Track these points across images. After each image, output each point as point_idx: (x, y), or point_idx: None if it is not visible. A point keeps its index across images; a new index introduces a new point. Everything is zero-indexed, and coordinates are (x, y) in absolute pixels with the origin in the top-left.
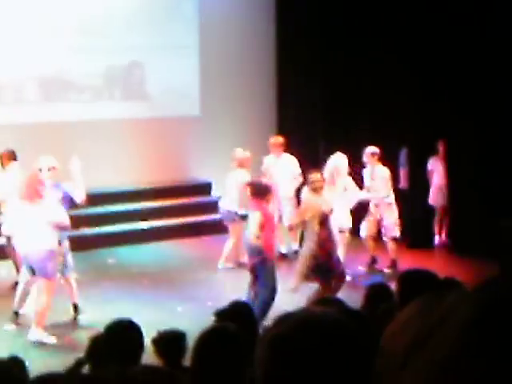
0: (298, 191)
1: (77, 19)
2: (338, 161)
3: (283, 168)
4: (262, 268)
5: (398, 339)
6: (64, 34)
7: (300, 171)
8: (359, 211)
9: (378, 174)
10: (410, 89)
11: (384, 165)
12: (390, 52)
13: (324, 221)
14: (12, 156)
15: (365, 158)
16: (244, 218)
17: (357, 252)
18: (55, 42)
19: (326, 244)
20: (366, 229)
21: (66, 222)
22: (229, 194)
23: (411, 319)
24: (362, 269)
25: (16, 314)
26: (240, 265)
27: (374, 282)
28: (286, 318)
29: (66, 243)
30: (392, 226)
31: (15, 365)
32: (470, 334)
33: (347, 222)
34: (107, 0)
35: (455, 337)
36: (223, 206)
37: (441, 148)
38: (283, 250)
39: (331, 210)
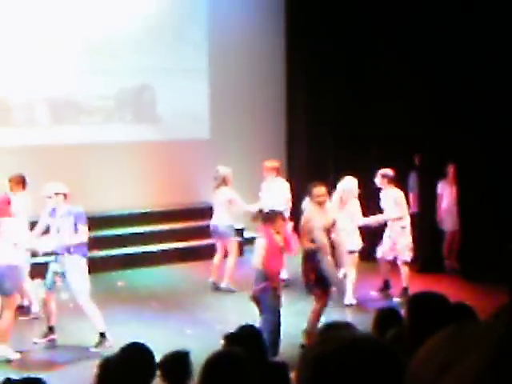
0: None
1: (87, 42)
2: (349, 184)
3: (275, 193)
4: (264, 294)
5: (427, 365)
6: (75, 56)
7: (290, 197)
8: (375, 234)
9: (388, 196)
10: (419, 112)
11: (397, 187)
12: (401, 74)
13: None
14: (21, 181)
15: (377, 180)
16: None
17: (370, 276)
18: (66, 64)
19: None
20: (381, 251)
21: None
22: (216, 212)
23: (440, 347)
24: (373, 293)
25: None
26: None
27: (383, 307)
28: (328, 338)
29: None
30: (404, 250)
31: None
32: (494, 363)
33: (357, 244)
34: (118, 23)
35: (481, 366)
36: (212, 222)
37: (450, 171)
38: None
39: (332, 225)
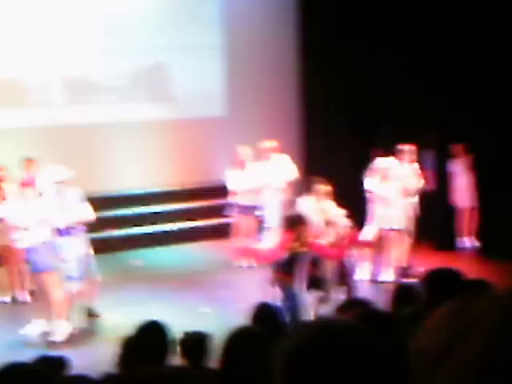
0: None
1: (102, 21)
2: (388, 162)
3: (274, 170)
4: (278, 285)
5: (430, 341)
6: (89, 35)
7: (295, 168)
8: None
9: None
10: (431, 92)
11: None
12: (413, 56)
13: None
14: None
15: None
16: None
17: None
18: (80, 44)
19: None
20: None
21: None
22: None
23: (443, 322)
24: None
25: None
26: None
27: (401, 283)
28: (298, 330)
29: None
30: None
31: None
32: (498, 338)
33: (399, 223)
34: (132, 2)
35: (484, 340)
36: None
37: (461, 150)
38: None
39: (331, 221)
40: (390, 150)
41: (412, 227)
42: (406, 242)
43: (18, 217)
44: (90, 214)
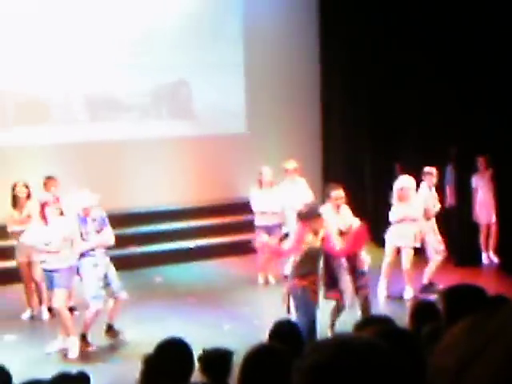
0: None
1: (125, 39)
2: (407, 181)
3: (300, 192)
4: (294, 293)
5: (449, 356)
6: (112, 53)
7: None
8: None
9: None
10: (451, 105)
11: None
12: (435, 70)
13: (342, 236)
14: (54, 183)
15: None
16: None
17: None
18: (103, 62)
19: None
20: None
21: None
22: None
23: (461, 337)
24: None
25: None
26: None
27: (420, 300)
28: (317, 347)
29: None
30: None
31: None
32: None
33: (416, 240)
34: (153, 19)
35: (504, 355)
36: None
37: (482, 164)
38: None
39: (348, 229)
40: (411, 166)
41: (442, 246)
42: (436, 260)
43: (39, 237)
44: (110, 239)
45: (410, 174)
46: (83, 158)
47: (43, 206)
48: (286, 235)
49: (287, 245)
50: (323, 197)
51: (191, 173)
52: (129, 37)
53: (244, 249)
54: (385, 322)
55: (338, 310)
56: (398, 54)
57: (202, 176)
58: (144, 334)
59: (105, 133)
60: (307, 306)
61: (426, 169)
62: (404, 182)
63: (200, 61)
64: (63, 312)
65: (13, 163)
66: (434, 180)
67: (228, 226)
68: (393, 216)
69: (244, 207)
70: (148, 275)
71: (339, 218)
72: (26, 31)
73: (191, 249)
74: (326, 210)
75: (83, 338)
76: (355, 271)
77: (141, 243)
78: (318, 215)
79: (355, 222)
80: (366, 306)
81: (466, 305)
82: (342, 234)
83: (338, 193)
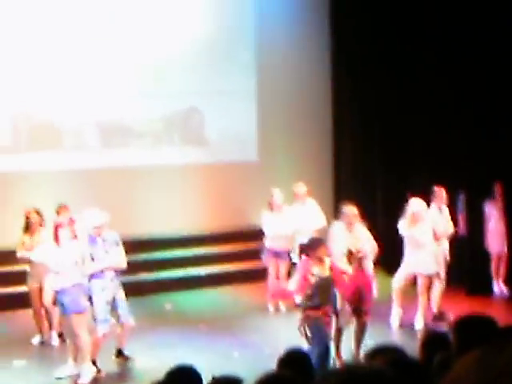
0: None
1: (137, 65)
2: (418, 205)
3: (311, 214)
4: (307, 325)
5: None
6: (124, 80)
7: (323, 215)
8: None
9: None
10: (465, 131)
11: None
12: (448, 95)
13: (350, 258)
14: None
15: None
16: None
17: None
18: (115, 89)
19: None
20: None
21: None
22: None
23: (472, 368)
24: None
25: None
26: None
27: (431, 330)
28: (327, 376)
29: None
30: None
31: None
32: None
33: (431, 267)
34: (166, 47)
35: None
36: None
37: (497, 191)
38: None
39: (361, 250)
40: (423, 192)
41: (443, 272)
42: (438, 287)
43: (50, 259)
44: (122, 262)
45: (421, 198)
46: (95, 184)
47: (57, 227)
48: (294, 264)
49: (293, 283)
50: (335, 214)
51: (202, 199)
52: (142, 64)
53: (255, 276)
54: (395, 351)
55: (338, 332)
56: (412, 77)
57: (213, 202)
58: (154, 360)
59: (117, 159)
60: (320, 337)
61: (435, 189)
62: (415, 205)
63: (212, 88)
64: (82, 336)
65: (24, 188)
66: (444, 200)
67: (239, 253)
68: (406, 241)
69: (255, 234)
70: (159, 302)
71: (351, 237)
72: (43, 56)
73: (201, 277)
74: (337, 227)
75: (93, 363)
76: (361, 293)
77: (152, 269)
78: (321, 243)
79: (369, 244)
80: (361, 333)
81: (476, 336)
82: (351, 254)
83: (351, 209)
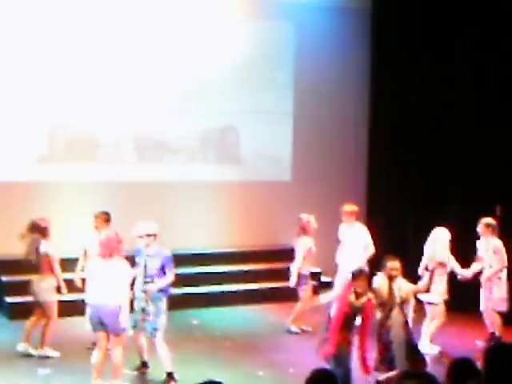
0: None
1: (177, 84)
2: (442, 234)
3: (354, 237)
4: (331, 355)
5: None
6: (164, 97)
7: (371, 242)
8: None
9: (490, 246)
10: (499, 161)
11: (500, 237)
12: (480, 126)
13: (390, 310)
14: (107, 218)
15: (479, 229)
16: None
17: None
18: (155, 105)
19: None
20: (482, 303)
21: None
22: (296, 259)
23: None
24: (480, 343)
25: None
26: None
27: (458, 357)
28: None
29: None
30: (499, 301)
31: None
32: None
33: (439, 296)
34: (205, 66)
35: None
36: (292, 269)
37: None
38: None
39: (404, 301)
40: (455, 225)
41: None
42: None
43: (96, 276)
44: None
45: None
46: (129, 198)
47: (108, 244)
48: (317, 286)
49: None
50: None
51: (234, 217)
52: (181, 83)
53: (282, 296)
54: (427, 377)
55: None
56: (439, 115)
57: (245, 221)
58: (179, 376)
59: (151, 174)
60: (342, 358)
61: (486, 220)
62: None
63: (249, 108)
64: (120, 356)
65: (58, 198)
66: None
67: (269, 272)
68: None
69: (285, 254)
70: (185, 317)
71: (395, 288)
72: (87, 71)
73: (229, 294)
74: (378, 279)
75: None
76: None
77: (180, 285)
78: (365, 275)
79: (410, 290)
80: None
81: (505, 365)
82: (382, 304)
83: (394, 264)
